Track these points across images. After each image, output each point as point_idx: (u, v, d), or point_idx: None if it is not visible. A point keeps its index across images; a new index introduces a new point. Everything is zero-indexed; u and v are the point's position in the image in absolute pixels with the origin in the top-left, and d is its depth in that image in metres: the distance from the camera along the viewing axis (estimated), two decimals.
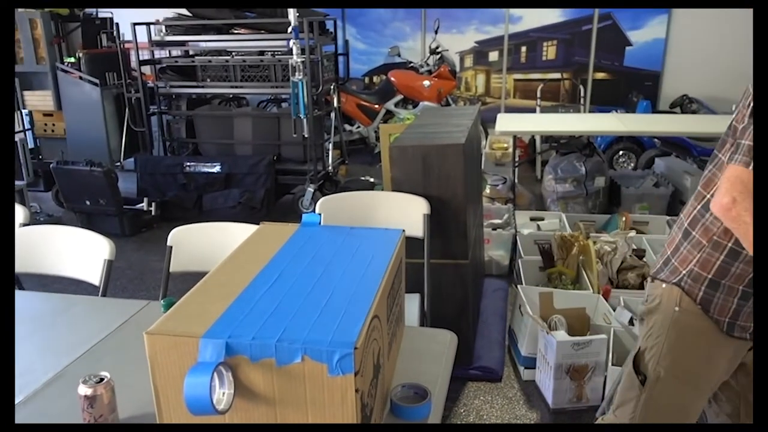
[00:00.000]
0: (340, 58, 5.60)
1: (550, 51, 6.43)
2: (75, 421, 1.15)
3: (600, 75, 6.35)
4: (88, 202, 4.44)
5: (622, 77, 6.29)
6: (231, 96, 5.64)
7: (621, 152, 5.48)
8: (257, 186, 4.73)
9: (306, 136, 4.53)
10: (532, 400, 2.53)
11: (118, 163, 5.66)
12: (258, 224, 1.58)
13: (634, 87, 6.16)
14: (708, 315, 1.36)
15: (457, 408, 2.48)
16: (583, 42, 6.28)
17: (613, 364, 2.36)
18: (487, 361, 2.69)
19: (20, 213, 2.28)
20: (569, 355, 2.37)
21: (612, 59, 6.29)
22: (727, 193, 1.18)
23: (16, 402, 1.26)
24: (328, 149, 5.00)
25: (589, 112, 6.22)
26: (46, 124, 5.91)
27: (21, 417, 1.21)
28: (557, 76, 6.45)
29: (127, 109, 5.49)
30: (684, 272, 1.38)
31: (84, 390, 1.10)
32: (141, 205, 4.70)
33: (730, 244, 1.31)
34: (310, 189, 4.62)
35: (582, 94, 6.20)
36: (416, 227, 2.35)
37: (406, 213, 2.38)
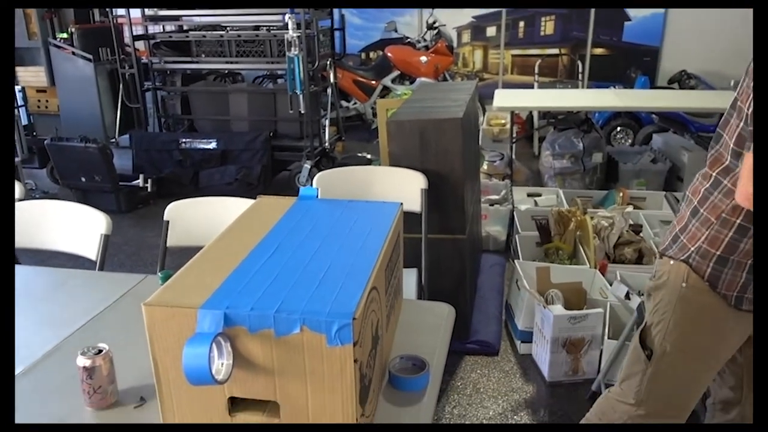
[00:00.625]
0: (336, 34, 5.55)
1: (548, 26, 6.37)
2: (74, 392, 1.15)
3: (598, 50, 6.29)
4: (83, 179, 4.42)
5: (620, 53, 6.24)
6: (226, 72, 5.59)
7: (619, 128, 5.46)
8: (254, 162, 4.71)
9: (302, 112, 4.49)
10: (529, 374, 2.55)
11: (113, 140, 5.62)
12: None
13: (633, 63, 6.11)
14: (715, 291, 1.36)
15: (454, 381, 2.50)
16: (582, 17, 6.22)
17: (609, 338, 2.37)
18: (485, 335, 2.71)
19: (16, 189, 2.26)
20: (566, 328, 2.38)
21: (611, 35, 6.23)
22: (750, 182, 1.17)
23: (15, 374, 1.26)
24: (325, 125, 4.97)
25: (587, 87, 6.19)
26: (39, 101, 5.84)
27: (20, 387, 1.21)
28: (555, 51, 6.39)
29: (121, 85, 5.44)
30: (692, 249, 1.38)
31: (83, 361, 1.10)
32: (137, 181, 4.67)
33: (738, 221, 1.31)
34: (307, 165, 4.60)
35: (580, 69, 6.16)
36: (414, 202, 2.34)
37: (404, 188, 2.37)
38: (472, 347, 2.68)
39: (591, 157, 4.40)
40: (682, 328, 1.43)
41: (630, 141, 5.43)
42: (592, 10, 6.15)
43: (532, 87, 5.87)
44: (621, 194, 3.72)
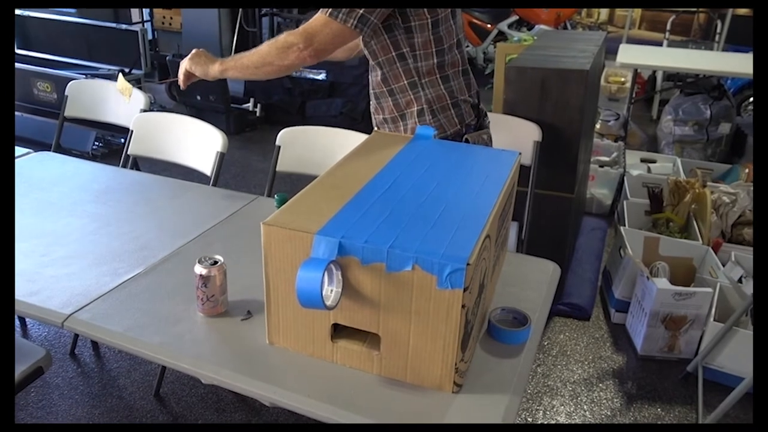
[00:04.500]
0: None
1: None
2: (188, 296, 1.22)
3: (742, 11, 5.72)
4: (199, 98, 4.59)
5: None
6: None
7: (753, 98, 5.00)
8: (360, 97, 4.70)
9: None
10: (619, 344, 2.47)
11: None
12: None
13: None
14: None
15: (541, 340, 2.46)
16: None
17: (715, 320, 2.24)
18: (578, 299, 2.63)
19: (141, 99, 2.38)
20: (668, 304, 2.26)
21: None
22: None
23: (137, 272, 1.35)
24: None
25: (723, 50, 5.67)
26: (164, 17, 6.07)
27: (141, 286, 1.30)
28: (692, 8, 5.88)
29: (240, 8, 5.54)
30: None
31: (199, 269, 1.15)
32: (247, 105, 4.81)
33: None
34: None
35: (718, 30, 5.64)
36: (524, 153, 2.26)
37: (516, 138, 2.29)
38: (563, 309, 2.61)
39: (717, 127, 4.07)
40: None
41: None
42: None
43: (659, 45, 5.45)
44: (747, 170, 3.44)
